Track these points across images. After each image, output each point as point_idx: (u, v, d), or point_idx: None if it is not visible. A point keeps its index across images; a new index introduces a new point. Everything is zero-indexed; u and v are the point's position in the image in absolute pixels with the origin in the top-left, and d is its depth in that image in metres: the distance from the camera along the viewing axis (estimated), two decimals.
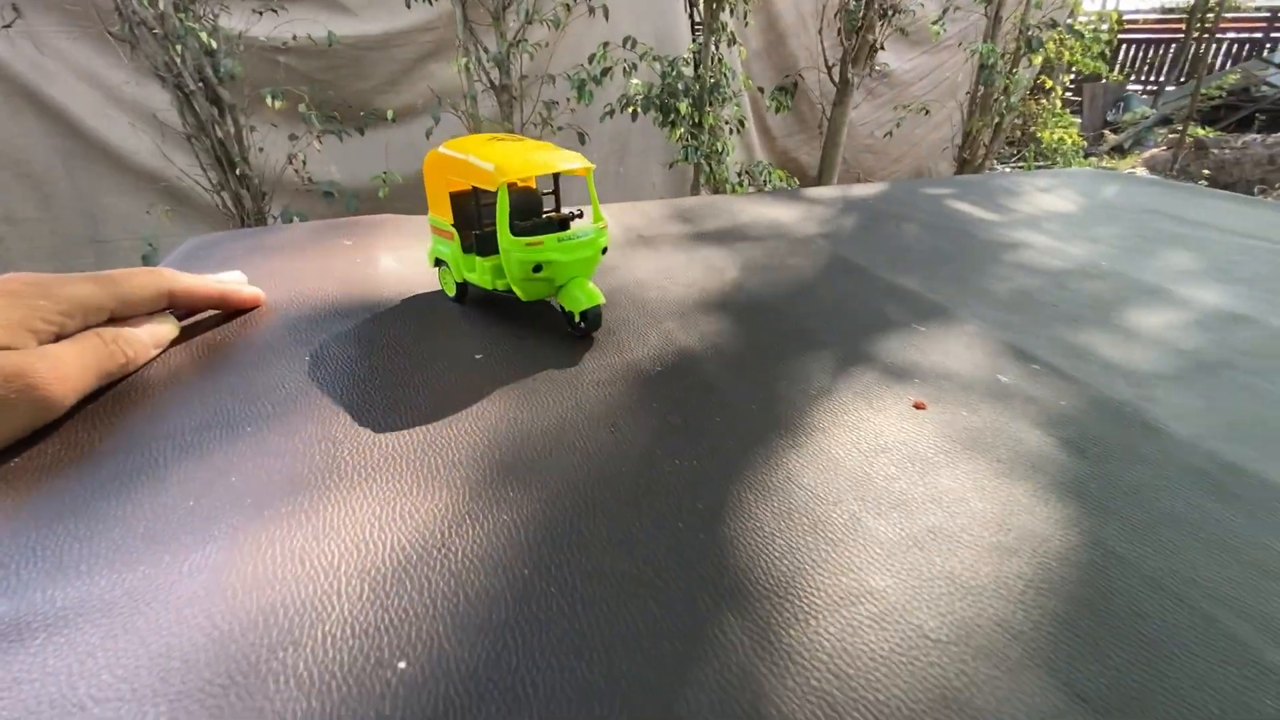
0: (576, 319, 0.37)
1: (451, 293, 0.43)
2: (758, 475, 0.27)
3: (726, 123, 2.84)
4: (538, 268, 0.36)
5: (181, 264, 0.50)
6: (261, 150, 2.38)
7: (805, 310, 0.42)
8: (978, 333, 0.39)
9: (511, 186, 0.36)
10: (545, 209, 0.39)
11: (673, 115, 2.51)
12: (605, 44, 2.49)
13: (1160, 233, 0.59)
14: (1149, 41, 6.86)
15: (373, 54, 2.59)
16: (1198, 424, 0.31)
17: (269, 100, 2.18)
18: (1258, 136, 4.81)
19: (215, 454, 0.28)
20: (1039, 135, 3.31)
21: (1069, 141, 3.25)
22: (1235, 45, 6.57)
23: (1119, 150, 5.36)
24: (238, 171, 2.29)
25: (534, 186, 0.39)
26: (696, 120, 2.63)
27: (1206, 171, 4.36)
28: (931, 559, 0.23)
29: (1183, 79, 6.29)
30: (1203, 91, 5.00)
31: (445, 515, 0.24)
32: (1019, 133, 3.69)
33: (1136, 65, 6.91)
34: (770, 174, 2.85)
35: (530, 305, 0.39)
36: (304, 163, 2.42)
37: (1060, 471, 0.27)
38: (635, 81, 2.55)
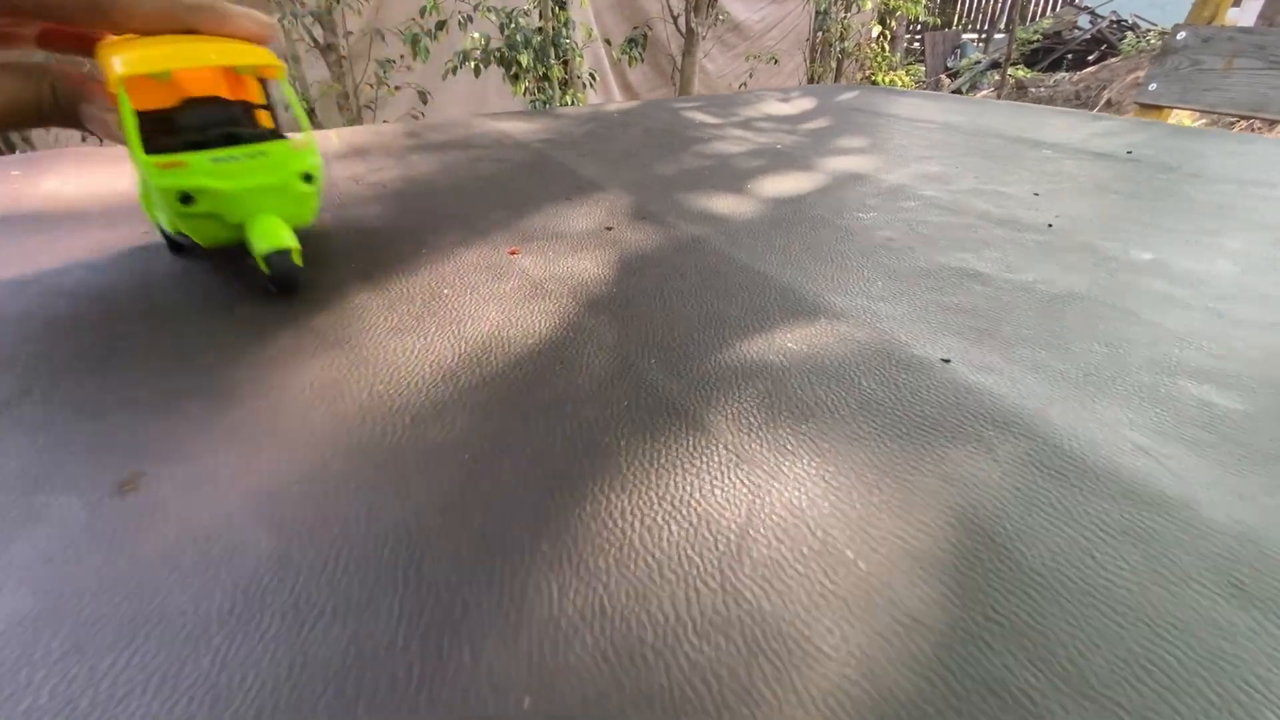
0: (263, 268, 0.28)
1: (167, 245, 0.34)
2: (310, 310, 0.28)
3: (578, 76, 2.81)
4: (186, 198, 0.27)
5: None
6: (49, 131, 2.10)
7: (470, 196, 0.44)
8: (614, 200, 0.43)
9: (180, 105, 0.28)
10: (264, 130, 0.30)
11: (515, 69, 2.46)
12: None
13: (848, 124, 0.66)
14: None
15: None
16: (740, 244, 0.35)
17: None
18: (1066, 75, 5.38)
19: None
20: (875, 79, 3.53)
21: (900, 85, 3.49)
22: None
23: (957, 93, 5.81)
24: (16, 153, 2.01)
25: (239, 100, 0.29)
26: (543, 74, 2.58)
27: None
28: (433, 353, 0.25)
29: (1009, 26, 6.88)
30: (1023, 36, 5.50)
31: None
32: (860, 79, 3.92)
33: (972, 15, 7.48)
34: None
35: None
36: (100, 143, 2.17)
37: (596, 285, 0.31)
38: (473, 34, 2.46)
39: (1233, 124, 3.15)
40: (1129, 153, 0.55)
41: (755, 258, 0.34)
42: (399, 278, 0.32)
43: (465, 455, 0.20)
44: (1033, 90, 5.32)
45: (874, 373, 0.24)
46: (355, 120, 2.56)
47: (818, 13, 3.20)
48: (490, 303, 0.29)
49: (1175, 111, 1.42)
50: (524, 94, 2.55)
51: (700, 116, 0.71)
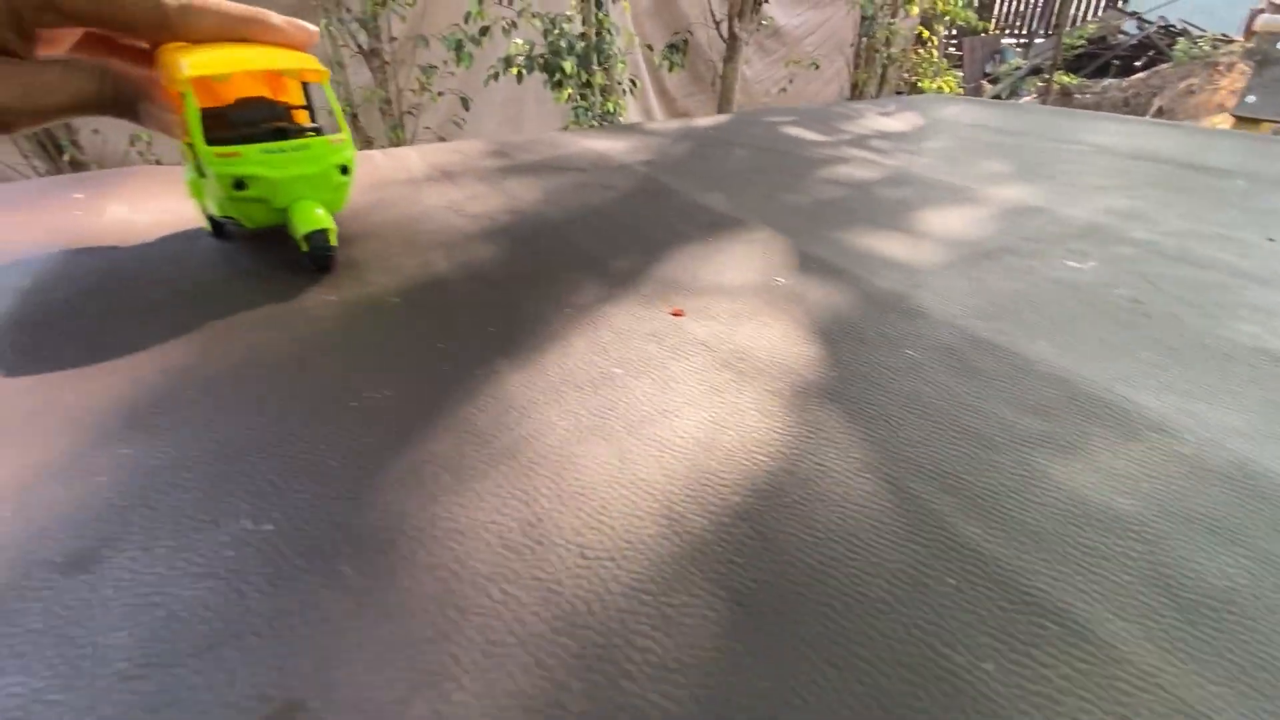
0: (303, 247, 0.32)
1: (208, 228, 0.37)
2: (460, 400, 0.23)
3: (619, 83, 2.77)
4: (240, 184, 0.30)
5: None
6: (96, 132, 2.11)
7: (591, 233, 0.38)
8: (766, 240, 0.37)
9: (233, 103, 0.31)
10: (307, 126, 0.34)
11: (558, 75, 2.41)
12: (481, 0, 2.35)
13: (976, 142, 0.59)
14: None
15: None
16: (958, 305, 0.29)
17: None
18: (1114, 81, 5.21)
19: None
20: (921, 85, 3.43)
21: (947, 91, 3.38)
22: None
23: (996, 99, 5.66)
24: (66, 157, 2.03)
25: (281, 101, 0.33)
26: (585, 80, 2.54)
27: None
28: (625, 470, 0.19)
29: (1050, 31, 6.70)
30: (1067, 41, 5.34)
31: (11, 484, 0.19)
32: (904, 84, 3.81)
33: (1010, 19, 7.30)
34: None
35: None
36: (149, 143, 2.17)
37: (804, 364, 0.25)
38: (516, 41, 2.43)
39: None
40: None
41: (985, 326, 0.27)
42: (552, 352, 0.26)
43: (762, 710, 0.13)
44: (1078, 97, 5.16)
45: (1272, 529, 0.17)
46: (398, 125, 2.54)
47: (864, 19, 3.11)
48: (678, 389, 0.23)
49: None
50: (566, 100, 2.51)
51: (801, 133, 0.65)
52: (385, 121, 2.52)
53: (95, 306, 0.29)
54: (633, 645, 0.14)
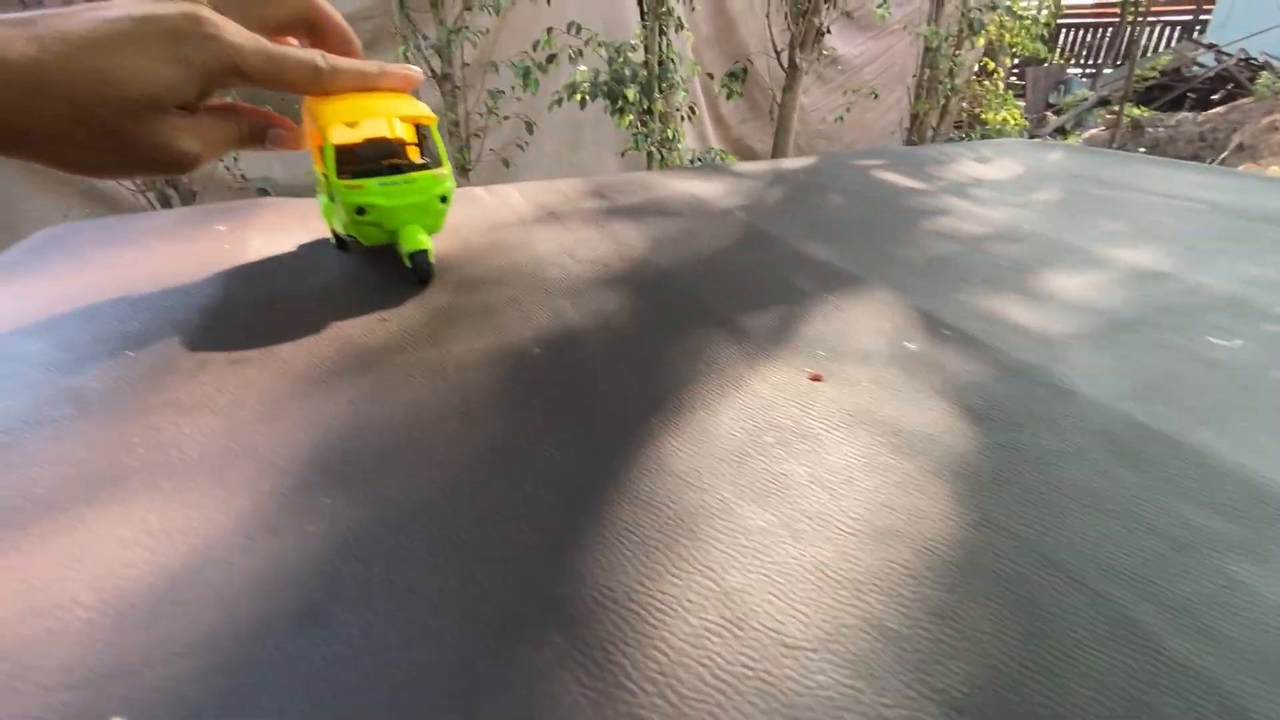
0: (406, 263, 0.38)
1: (333, 241, 0.44)
2: (624, 462, 0.23)
3: (677, 109, 2.81)
4: (361, 210, 0.36)
5: (22, 259, 0.44)
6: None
7: (708, 284, 0.39)
8: (888, 300, 0.37)
9: (361, 141, 0.38)
10: (417, 162, 0.40)
11: (621, 102, 2.46)
12: (550, 30, 2.42)
13: (1083, 195, 0.58)
14: (1087, 25, 7.08)
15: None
16: (1108, 385, 0.28)
17: None
18: (1189, 115, 5.00)
19: (28, 469, 0.23)
20: (984, 117, 3.37)
21: (1012, 123, 3.31)
22: (1167, 28, 6.82)
23: (1061, 131, 5.51)
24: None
25: (397, 138, 0.40)
26: (646, 107, 2.59)
27: (1142, 149, 4.52)
28: (805, 550, 0.20)
29: (1119, 61, 6.50)
30: (1137, 73, 5.17)
31: (237, 531, 0.20)
32: (965, 115, 3.75)
33: (1075, 49, 7.12)
34: (724, 160, 2.83)
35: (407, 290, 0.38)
36: (235, 159, 2.30)
37: (960, 443, 0.25)
38: (582, 68, 2.49)
39: None
40: None
41: (1141, 409, 0.27)
42: (700, 415, 0.26)
43: None
44: (1150, 131, 4.97)
45: None
46: (465, 146, 2.63)
47: (927, 50, 3.09)
48: (835, 463, 0.23)
49: None
50: (627, 126, 2.55)
51: (895, 178, 0.65)
52: (453, 142, 2.62)
53: (259, 346, 0.31)
54: None
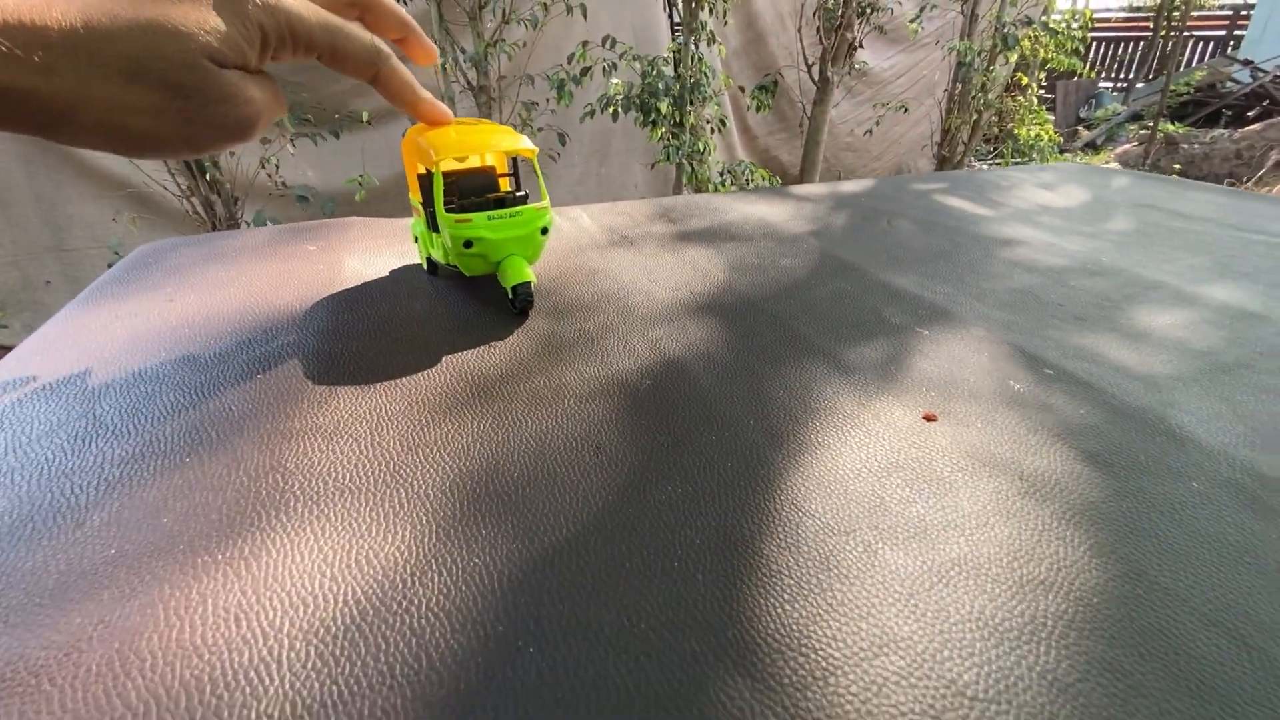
0: (509, 294, 0.39)
1: (424, 265, 0.46)
2: (759, 501, 0.24)
3: (708, 122, 2.82)
4: (468, 244, 0.37)
5: (128, 275, 0.46)
6: (233, 154, 2.31)
7: (799, 313, 0.40)
8: (983, 335, 0.37)
9: (460, 171, 0.40)
10: (513, 192, 0.41)
11: (653, 115, 2.48)
12: (584, 43, 2.46)
13: (1157, 226, 0.58)
14: (1118, 40, 6.99)
15: None
16: (1225, 432, 0.28)
17: None
18: (1225, 132, 4.91)
19: (147, 489, 0.24)
20: (1016, 132, 3.34)
21: (1045, 138, 3.28)
22: (1200, 43, 6.72)
23: (1092, 146, 5.44)
24: (207, 176, 2.22)
25: (490, 167, 0.41)
26: (678, 120, 2.60)
27: (1177, 166, 4.44)
28: (959, 597, 0.20)
29: (1151, 76, 6.41)
30: (1171, 88, 5.09)
31: (408, 561, 0.21)
32: (996, 129, 3.72)
33: (1107, 63, 7.03)
34: (753, 173, 2.84)
35: (513, 327, 0.38)
36: (277, 167, 2.36)
37: (1087, 489, 0.25)
38: (615, 81, 2.52)
39: None
40: None
41: (1265, 460, 0.27)
42: (821, 453, 0.27)
43: None
44: (1185, 148, 4.89)
45: None
46: None
47: (960, 64, 3.07)
48: (966, 507, 0.24)
49: None
50: (659, 139, 2.57)
51: (960, 204, 0.65)
52: None
53: (381, 372, 0.33)
54: None
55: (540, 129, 2.63)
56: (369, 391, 0.31)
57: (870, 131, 3.67)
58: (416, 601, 0.20)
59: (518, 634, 0.19)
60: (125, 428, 0.28)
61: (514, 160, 0.42)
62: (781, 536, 0.22)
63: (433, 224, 0.39)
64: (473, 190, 0.40)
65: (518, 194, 0.41)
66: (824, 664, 0.18)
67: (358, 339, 0.36)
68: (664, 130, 2.53)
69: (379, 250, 0.50)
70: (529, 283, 0.38)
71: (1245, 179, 4.46)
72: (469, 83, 2.52)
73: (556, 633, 0.19)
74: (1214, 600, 0.20)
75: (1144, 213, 0.62)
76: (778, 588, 0.20)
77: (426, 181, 0.39)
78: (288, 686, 0.17)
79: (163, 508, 0.23)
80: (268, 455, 0.26)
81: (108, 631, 0.19)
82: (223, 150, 0.27)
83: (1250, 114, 5.31)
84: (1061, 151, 4.82)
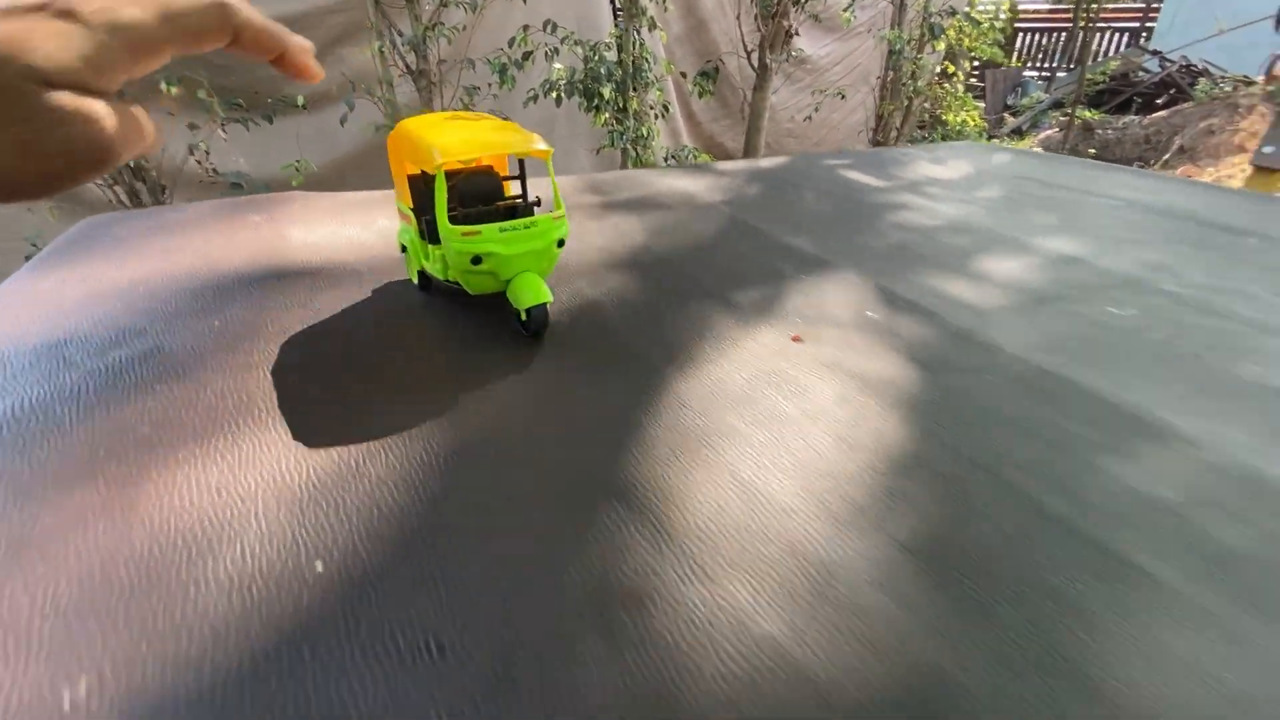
0: (523, 317, 0.34)
1: (414, 279, 0.40)
2: (650, 399, 0.30)
3: (651, 108, 2.87)
4: (477, 260, 0.33)
5: (73, 247, 0.48)
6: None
7: (704, 267, 0.46)
8: (853, 279, 0.44)
9: (458, 172, 0.34)
10: (515, 196, 0.37)
11: (596, 100, 2.52)
12: (525, 28, 2.46)
13: (1026, 195, 0.66)
14: (1043, 30, 7.36)
15: None
16: (1023, 343, 0.36)
17: (164, 86, 2.04)
18: (1136, 118, 5.26)
19: (123, 410, 0.28)
20: (945, 118, 3.51)
21: (972, 124, 3.46)
22: (1116, 34, 7.15)
23: (1018, 132, 5.73)
24: (131, 164, 2.14)
25: (493, 169, 0.37)
26: (621, 105, 2.64)
27: (1092, 150, 4.74)
28: (796, 457, 0.26)
29: (1072, 65, 6.79)
30: (1089, 77, 5.42)
31: (361, 447, 0.26)
32: (928, 116, 3.90)
33: (1032, 53, 7.40)
34: (696, 158, 2.90)
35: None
36: (207, 153, 2.28)
37: (908, 385, 0.32)
38: (558, 66, 2.53)
39: None
40: None
41: (1047, 359, 0.34)
42: (706, 367, 0.33)
43: None
44: (1100, 133, 5.20)
45: (1271, 513, 0.24)
46: None
47: (891, 52, 3.21)
48: (815, 400, 0.30)
49: None
50: (603, 124, 2.61)
51: (862, 177, 0.72)
52: None
53: (325, 324, 0.37)
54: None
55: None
56: (313, 333, 0.35)
57: (810, 117, 3.79)
58: (369, 474, 0.25)
59: (452, 495, 0.24)
60: (93, 365, 0.32)
61: (520, 160, 0.37)
62: (666, 421, 0.28)
63: (430, 234, 0.35)
64: (475, 196, 0.35)
65: (534, 200, 0.36)
66: (686, 495, 0.24)
67: (304, 293, 0.40)
68: (608, 115, 2.56)
69: (321, 222, 0.53)
70: (545, 304, 0.34)
71: (1153, 161, 4.80)
72: (408, 67, 2.49)
73: (483, 492, 0.24)
74: (982, 450, 0.27)
75: (1018, 183, 0.71)
76: (659, 455, 0.26)
77: (420, 184, 0.35)
78: (265, 529, 0.22)
79: (140, 421, 0.27)
80: (232, 382, 0.30)
81: (107, 503, 0.23)
82: (87, 180, 0.23)
83: (1159, 101, 5.70)
84: (990, 137, 5.08)
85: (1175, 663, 0.18)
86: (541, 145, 0.33)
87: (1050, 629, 0.19)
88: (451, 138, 0.32)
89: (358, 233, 0.51)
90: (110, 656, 0.18)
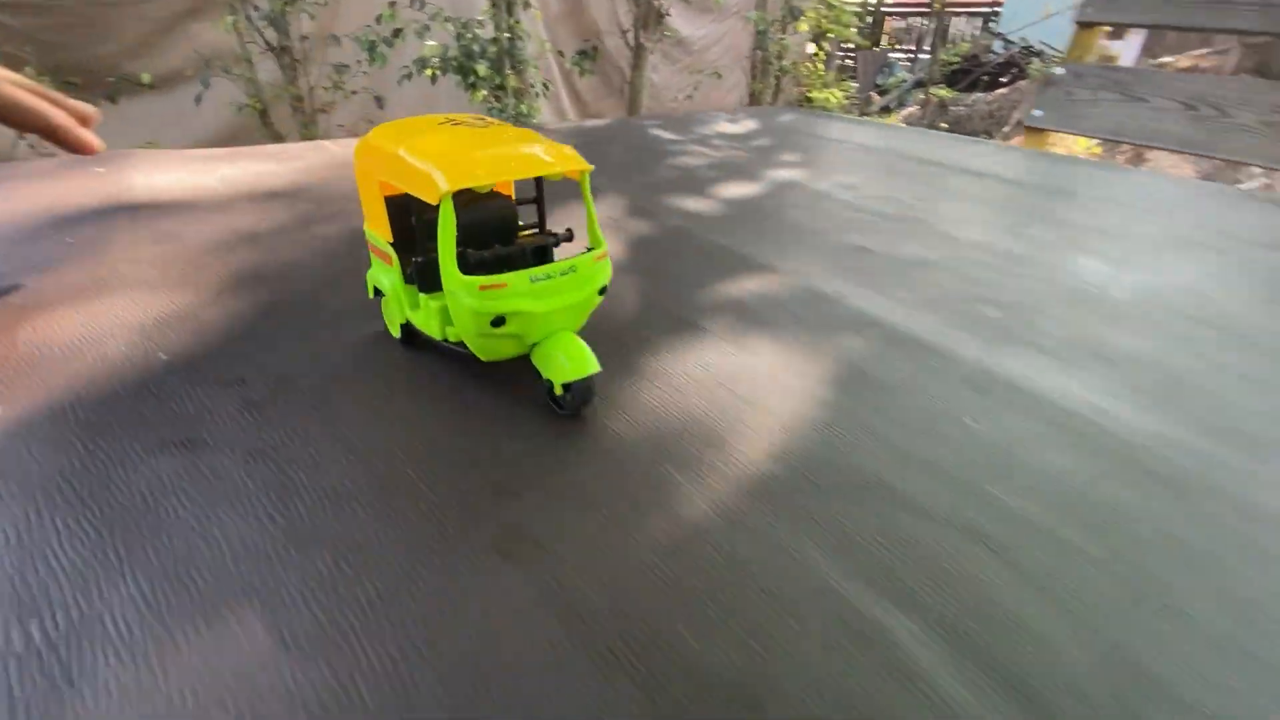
0: (558, 391, 0.26)
1: (395, 333, 0.31)
2: None
3: (531, 86, 2.92)
4: (499, 320, 0.24)
5: None
6: None
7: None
8: (614, 201, 0.57)
9: (464, 193, 0.25)
10: (531, 226, 0.28)
11: (472, 78, 2.55)
12: (392, 3, 2.44)
13: (790, 143, 0.82)
14: (909, 13, 7.97)
15: (113, 11, 2.27)
16: (721, 228, 0.50)
17: None
18: (982, 95, 5.86)
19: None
20: (810, 96, 3.79)
21: (834, 101, 3.76)
22: (971, 18, 7.85)
23: (885, 110, 6.22)
24: None
25: (507, 193, 0.28)
26: (499, 83, 2.68)
27: (944, 125, 5.26)
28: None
29: (931, 48, 7.42)
30: (943, 58, 5.96)
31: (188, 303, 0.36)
32: (797, 94, 4.19)
33: (901, 35, 8.00)
34: None
35: None
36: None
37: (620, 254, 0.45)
38: (430, 43, 2.54)
39: (1113, 152, 3.55)
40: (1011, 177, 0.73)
41: (725, 237, 0.48)
42: None
43: None
44: (953, 109, 5.75)
45: (799, 302, 0.39)
46: (311, 122, 2.59)
47: (758, 32, 3.43)
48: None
49: (1058, 135, 1.68)
50: (481, 101, 2.64)
51: (666, 134, 0.86)
52: (297, 118, 2.57)
53: (167, 242, 0.45)
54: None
55: (355, 92, 2.58)
56: (164, 242, 0.44)
57: (691, 96, 3.97)
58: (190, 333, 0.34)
59: (433, 416, 0.34)
60: None
61: (538, 181, 0.28)
62: None
63: (427, 282, 0.27)
64: (483, 230, 0.26)
65: (563, 234, 0.28)
66: (629, 415, 0.35)
67: (160, 223, 0.48)
68: (485, 93, 2.60)
69: (165, 171, 0.60)
70: (591, 376, 0.25)
71: (995, 134, 5.37)
72: (268, 43, 2.42)
73: (451, 411, 0.34)
74: (857, 411, 0.40)
75: (789, 135, 0.87)
76: None
77: (404, 210, 0.27)
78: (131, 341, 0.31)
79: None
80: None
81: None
82: None
83: (1002, 80, 6.36)
84: (861, 115, 5.49)
85: None
86: (574, 163, 0.25)
87: None
88: (455, 151, 0.24)
89: (204, 180, 0.58)
90: None
